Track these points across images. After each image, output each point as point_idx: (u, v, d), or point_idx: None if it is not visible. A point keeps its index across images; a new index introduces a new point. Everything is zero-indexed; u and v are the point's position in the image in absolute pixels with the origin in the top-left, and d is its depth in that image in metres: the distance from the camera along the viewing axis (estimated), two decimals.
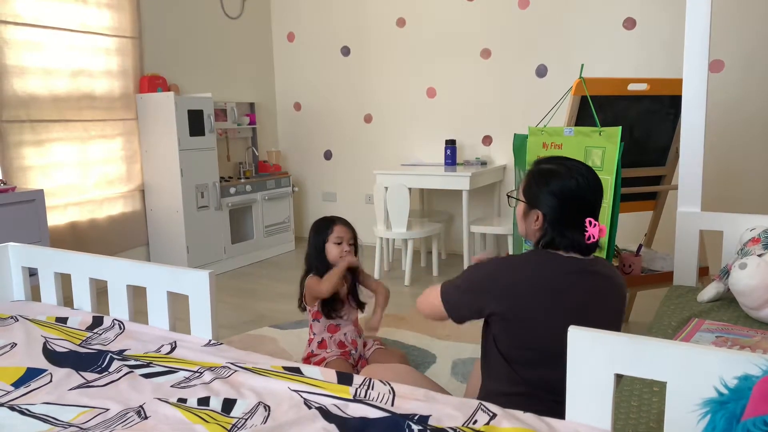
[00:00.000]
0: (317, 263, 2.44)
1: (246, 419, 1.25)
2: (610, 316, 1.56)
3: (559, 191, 1.52)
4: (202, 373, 1.46)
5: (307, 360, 2.45)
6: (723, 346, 1.63)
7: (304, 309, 2.51)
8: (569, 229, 1.51)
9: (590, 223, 1.51)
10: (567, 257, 1.51)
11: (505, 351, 1.51)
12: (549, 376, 1.43)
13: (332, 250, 2.41)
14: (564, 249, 1.52)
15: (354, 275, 2.52)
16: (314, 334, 2.49)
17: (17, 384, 1.45)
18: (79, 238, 4.01)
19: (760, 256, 1.97)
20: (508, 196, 1.75)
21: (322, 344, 2.46)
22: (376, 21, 5.13)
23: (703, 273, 2.67)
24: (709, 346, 1.06)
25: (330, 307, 2.43)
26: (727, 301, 2.14)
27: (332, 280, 2.33)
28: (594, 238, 1.51)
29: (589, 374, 1.12)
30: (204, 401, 1.33)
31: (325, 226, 2.46)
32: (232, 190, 4.65)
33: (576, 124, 2.72)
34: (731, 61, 3.86)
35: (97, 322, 1.84)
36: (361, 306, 2.55)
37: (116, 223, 4.28)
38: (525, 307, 1.46)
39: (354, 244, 2.47)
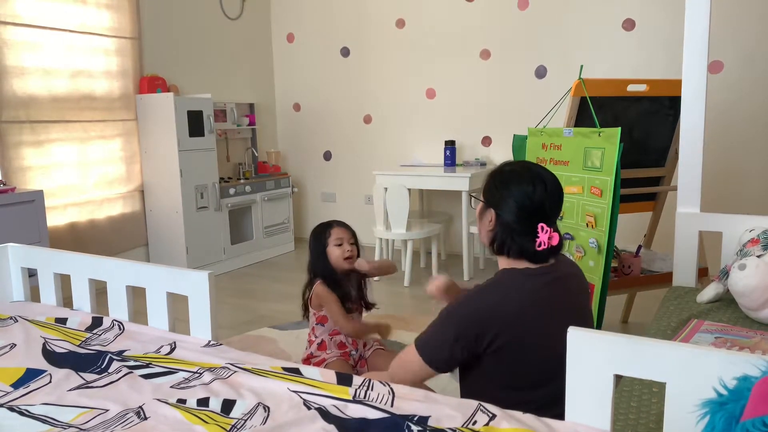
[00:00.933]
0: (321, 268, 2.43)
1: (245, 420, 1.25)
2: (584, 307, 1.58)
3: (516, 194, 1.48)
4: (201, 373, 1.46)
5: (306, 362, 2.44)
6: (722, 347, 1.63)
7: (307, 317, 2.51)
8: (519, 234, 1.48)
9: (542, 228, 1.46)
10: (535, 270, 1.48)
11: (500, 381, 1.48)
12: (550, 392, 1.41)
13: (334, 252, 2.41)
14: (514, 255, 1.49)
15: (360, 281, 2.51)
16: (315, 336, 2.49)
17: (17, 384, 1.45)
18: (79, 238, 4.01)
19: (759, 257, 1.97)
20: (471, 197, 1.71)
21: (321, 346, 2.46)
22: (376, 22, 5.13)
23: (703, 274, 2.68)
24: (708, 347, 1.07)
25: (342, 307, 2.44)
26: (726, 301, 2.14)
27: (355, 329, 2.37)
28: (545, 244, 1.46)
29: (588, 375, 1.12)
30: (203, 402, 1.33)
31: (323, 230, 2.45)
32: (232, 190, 4.65)
33: (575, 125, 2.72)
34: (730, 61, 3.86)
35: (97, 322, 1.84)
36: (368, 307, 2.55)
37: (116, 224, 4.28)
38: (517, 330, 1.43)
39: (355, 243, 2.47)
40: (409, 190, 4.16)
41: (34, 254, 2.06)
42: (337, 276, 2.43)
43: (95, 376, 1.49)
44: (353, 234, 2.49)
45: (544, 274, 1.49)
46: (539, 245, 1.46)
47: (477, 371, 1.51)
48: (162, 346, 1.66)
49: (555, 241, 1.47)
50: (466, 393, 1.57)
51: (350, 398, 1.31)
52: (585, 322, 1.53)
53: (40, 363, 1.57)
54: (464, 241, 4.13)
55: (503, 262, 1.54)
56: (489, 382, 1.50)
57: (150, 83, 4.33)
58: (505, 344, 1.43)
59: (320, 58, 5.47)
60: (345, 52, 5.33)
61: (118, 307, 1.88)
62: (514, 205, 1.48)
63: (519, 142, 2.81)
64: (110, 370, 1.51)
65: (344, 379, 1.40)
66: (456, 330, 1.44)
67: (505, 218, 1.49)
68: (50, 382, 1.46)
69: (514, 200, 1.49)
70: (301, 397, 1.32)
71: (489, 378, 1.50)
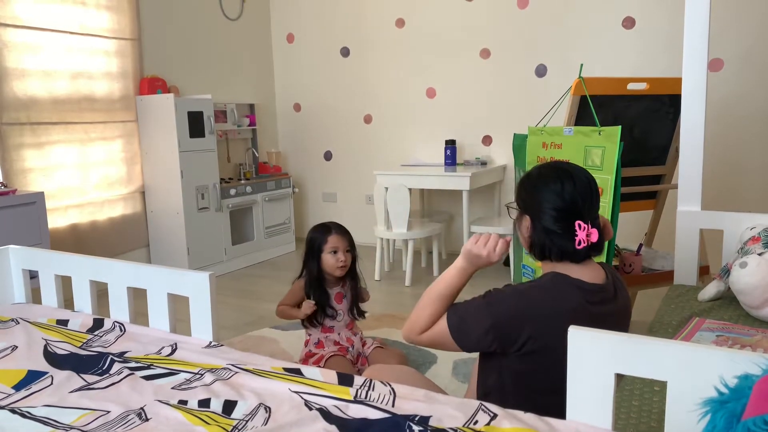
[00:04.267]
0: (312, 271, 2.44)
1: (247, 421, 1.25)
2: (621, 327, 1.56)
3: (545, 195, 1.47)
4: (202, 374, 1.46)
5: (305, 360, 2.45)
6: (723, 345, 1.63)
7: (304, 324, 2.52)
8: (557, 235, 1.45)
9: (579, 226, 1.43)
10: (586, 285, 1.45)
11: (525, 382, 1.47)
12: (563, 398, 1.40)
13: (328, 261, 2.41)
14: (555, 258, 1.48)
15: (354, 286, 2.52)
16: (310, 335, 2.50)
17: (18, 387, 1.45)
18: (80, 240, 4.01)
19: (760, 254, 1.97)
20: (507, 207, 1.69)
21: (319, 344, 2.47)
22: (376, 21, 5.13)
23: (704, 272, 2.67)
24: (709, 346, 1.06)
25: (309, 318, 2.44)
26: (727, 300, 2.13)
27: (291, 315, 2.46)
28: (584, 242, 1.43)
29: (589, 374, 1.12)
30: (205, 403, 1.33)
31: (320, 235, 2.45)
32: (233, 191, 4.66)
33: (576, 124, 2.72)
34: (730, 59, 3.86)
35: (98, 324, 1.84)
36: (361, 314, 2.56)
37: (117, 225, 4.29)
38: (551, 336, 1.40)
39: (350, 251, 2.45)
40: (410, 189, 4.16)
41: (35, 256, 2.07)
42: (324, 282, 2.44)
43: (96, 378, 1.49)
44: (350, 241, 2.47)
45: (594, 292, 1.45)
46: (578, 244, 1.44)
47: (499, 364, 1.50)
48: (163, 347, 1.66)
49: (594, 238, 1.44)
50: (482, 378, 1.57)
51: (351, 398, 1.31)
52: None
53: (42, 365, 1.57)
54: (465, 241, 4.13)
55: (547, 266, 1.52)
56: (507, 376, 1.49)
57: (150, 84, 4.33)
58: (536, 349, 1.41)
59: (320, 58, 5.47)
60: (345, 52, 5.33)
61: (119, 309, 1.88)
62: (546, 206, 1.46)
63: (519, 141, 2.81)
64: (111, 372, 1.51)
65: (345, 380, 1.40)
66: (492, 322, 1.43)
67: (541, 222, 1.48)
68: (51, 383, 1.46)
69: (545, 202, 1.46)
70: (302, 398, 1.33)
71: (508, 373, 1.49)
